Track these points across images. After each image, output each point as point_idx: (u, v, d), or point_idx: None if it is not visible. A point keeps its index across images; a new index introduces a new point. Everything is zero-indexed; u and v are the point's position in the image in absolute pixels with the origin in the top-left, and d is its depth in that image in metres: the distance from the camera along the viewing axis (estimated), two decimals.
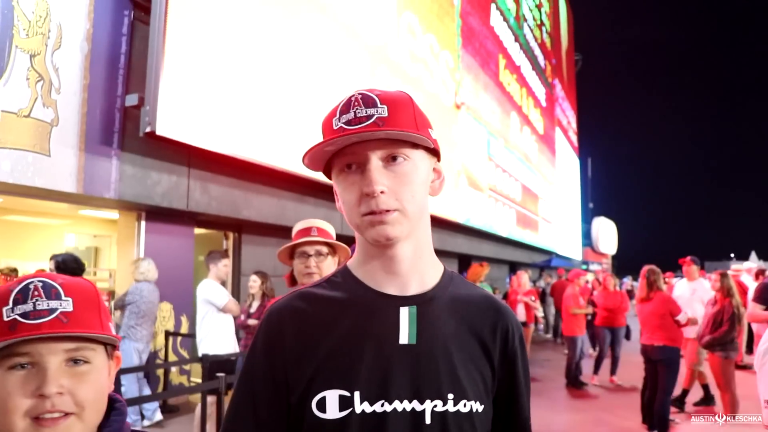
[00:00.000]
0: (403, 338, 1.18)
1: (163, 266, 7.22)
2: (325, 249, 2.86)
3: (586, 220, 38.83)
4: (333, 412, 1.14)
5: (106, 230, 11.33)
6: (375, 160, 1.15)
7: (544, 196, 25.04)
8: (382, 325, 1.19)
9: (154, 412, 6.85)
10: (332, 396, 1.15)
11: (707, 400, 8.44)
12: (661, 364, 6.86)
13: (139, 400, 6.31)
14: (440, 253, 1.53)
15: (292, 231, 3.03)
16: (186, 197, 7.26)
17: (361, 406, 1.14)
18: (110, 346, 1.17)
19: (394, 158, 1.16)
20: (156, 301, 6.89)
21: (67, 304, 1.07)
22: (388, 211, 1.14)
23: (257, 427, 1.21)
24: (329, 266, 2.81)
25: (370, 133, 1.12)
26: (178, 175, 7.16)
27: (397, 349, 1.18)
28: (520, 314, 10.91)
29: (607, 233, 40.12)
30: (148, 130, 6.20)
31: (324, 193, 9.08)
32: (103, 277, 11.04)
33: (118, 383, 6.67)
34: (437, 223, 13.24)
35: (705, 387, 8.50)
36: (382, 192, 1.13)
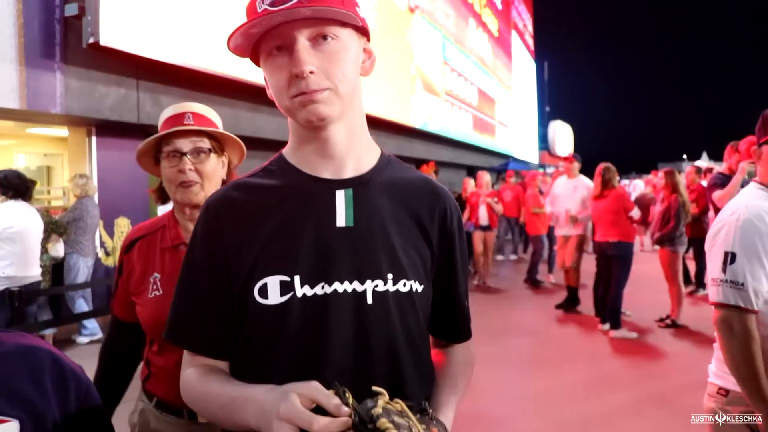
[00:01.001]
0: (340, 221, 1.19)
1: (117, 181, 7.13)
2: (205, 143, 1.95)
3: (543, 124, 39.03)
4: (275, 297, 1.15)
5: (57, 148, 11.04)
6: (302, 40, 1.12)
7: (501, 100, 25.01)
8: (319, 210, 1.19)
9: (95, 329, 6.91)
10: (273, 282, 1.15)
11: (572, 303, 8.52)
12: (615, 259, 7.12)
13: (86, 315, 6.42)
14: (398, 158, 1.47)
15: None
16: (136, 110, 7.08)
17: (302, 290, 1.14)
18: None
19: (323, 38, 1.13)
20: (98, 215, 6.79)
21: None
22: (318, 90, 1.12)
23: (201, 320, 1.22)
24: (215, 170, 1.96)
25: (296, 11, 1.09)
26: (126, 88, 6.95)
27: (335, 231, 1.18)
28: (483, 217, 10.55)
29: (563, 136, 40.43)
30: (91, 41, 5.99)
31: None
32: (57, 195, 10.85)
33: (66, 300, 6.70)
34: (394, 128, 13.20)
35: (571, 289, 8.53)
36: (311, 72, 1.11)
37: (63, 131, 7.91)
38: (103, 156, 7.24)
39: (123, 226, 7.49)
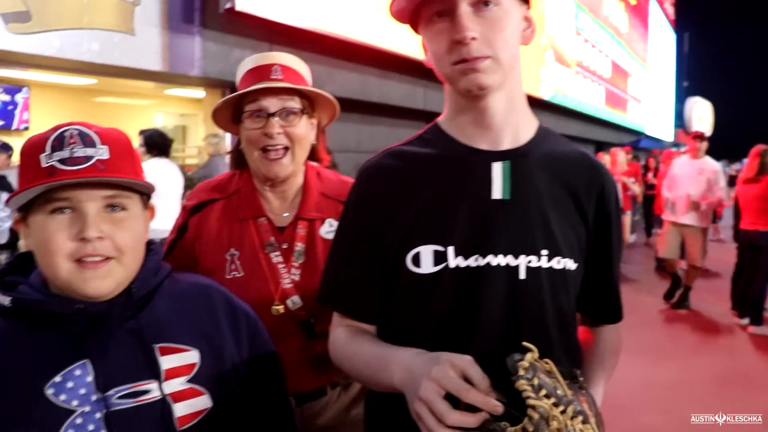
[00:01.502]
0: (497, 193, 1.16)
1: None
2: (296, 102, 1.68)
3: (680, 100, 36.94)
4: (428, 266, 1.15)
5: (193, 109, 11.58)
6: (464, 5, 1.08)
7: (635, 73, 23.85)
8: (475, 181, 1.17)
9: None
10: (427, 251, 1.15)
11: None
12: (764, 251, 6.46)
13: None
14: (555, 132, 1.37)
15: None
16: None
17: (455, 261, 1.14)
18: (145, 196, 1.18)
19: (485, 3, 1.09)
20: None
21: (103, 152, 1.07)
22: (480, 58, 1.09)
23: (353, 284, 1.24)
24: (306, 134, 1.70)
25: None
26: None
27: (491, 204, 1.15)
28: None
29: (702, 114, 38.10)
30: (227, 6, 6.20)
31: (408, 68, 8.88)
32: (192, 153, 11.40)
33: None
34: None
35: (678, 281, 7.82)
36: (473, 38, 1.08)
37: (199, 93, 8.28)
38: None
39: None
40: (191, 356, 1.17)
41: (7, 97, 9.13)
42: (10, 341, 1.08)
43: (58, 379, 1.04)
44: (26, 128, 9.47)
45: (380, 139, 8.56)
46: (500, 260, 1.13)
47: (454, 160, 1.20)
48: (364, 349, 1.19)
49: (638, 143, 23.37)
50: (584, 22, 16.81)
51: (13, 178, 5.41)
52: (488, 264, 1.13)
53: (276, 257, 1.67)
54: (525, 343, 0.96)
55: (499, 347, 1.07)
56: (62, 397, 1.03)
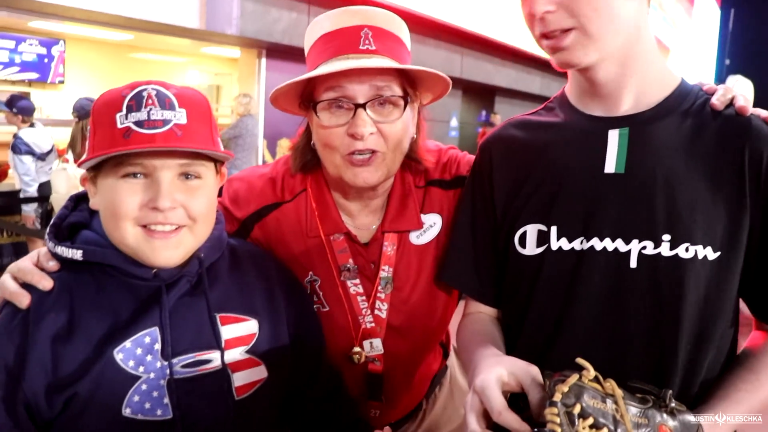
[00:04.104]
0: (609, 166, 1.01)
1: None
2: (395, 86, 1.20)
3: (721, 78, 36.09)
4: (531, 248, 1.08)
5: (227, 68, 11.54)
6: None
7: (676, 49, 23.27)
8: (588, 152, 1.04)
9: None
10: (532, 231, 1.08)
11: None
12: None
13: None
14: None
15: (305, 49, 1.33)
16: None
17: (557, 243, 1.04)
18: (219, 163, 1.13)
19: None
20: (257, 133, 6.97)
21: (180, 116, 1.01)
22: (559, 31, 0.95)
23: (474, 266, 1.19)
24: (406, 129, 1.24)
25: None
26: (298, 12, 7.05)
27: (602, 178, 1.01)
28: None
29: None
30: None
31: (446, 34, 8.71)
32: (225, 113, 11.39)
33: None
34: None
35: None
36: (547, 12, 0.94)
37: (235, 52, 8.22)
38: (272, 78, 7.44)
39: (285, 147, 7.72)
40: (250, 326, 1.15)
41: (42, 50, 9.15)
42: (79, 297, 1.05)
43: (128, 344, 1.03)
44: (61, 82, 9.52)
45: None
46: (607, 244, 0.99)
47: (570, 127, 1.08)
48: (469, 343, 1.14)
49: None
50: None
51: (29, 138, 5.35)
52: (592, 248, 1.00)
53: (355, 287, 1.33)
54: (579, 360, 0.83)
55: (599, 350, 0.97)
56: (130, 362, 1.03)
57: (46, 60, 9.24)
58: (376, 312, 1.32)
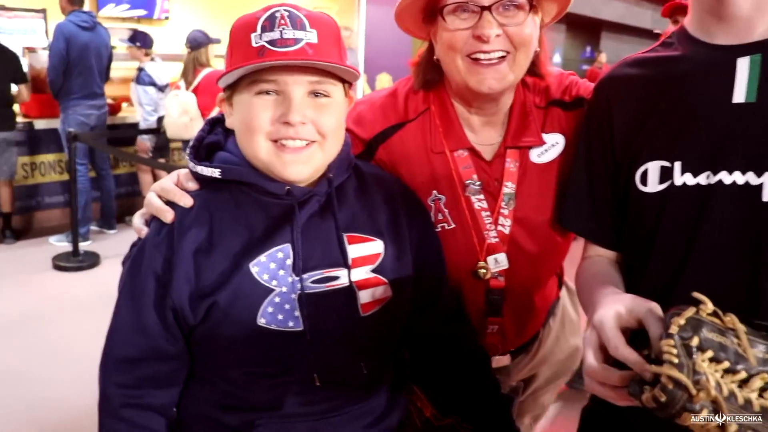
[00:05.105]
0: (739, 96, 0.96)
1: (383, 37, 7.23)
2: None
3: None
4: (653, 185, 1.03)
5: (327, 2, 11.49)
6: None
7: None
8: (714, 83, 0.99)
9: None
10: (654, 167, 1.04)
11: None
12: None
13: None
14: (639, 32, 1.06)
15: None
16: None
17: (682, 178, 0.99)
18: (347, 84, 1.19)
19: None
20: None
21: (312, 36, 1.07)
22: None
23: (592, 208, 1.18)
24: (532, 35, 1.23)
25: None
26: None
27: (731, 109, 0.96)
28: None
29: None
30: None
31: None
32: None
33: None
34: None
35: None
36: None
37: None
38: (373, 11, 7.37)
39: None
40: (376, 246, 1.21)
41: None
42: (217, 214, 1.13)
43: (263, 259, 1.11)
44: (167, 17, 9.70)
45: None
46: (737, 177, 0.95)
47: (692, 60, 1.03)
48: (588, 285, 1.13)
49: None
50: None
51: (151, 70, 5.67)
52: (720, 182, 0.96)
53: (479, 202, 1.36)
54: (696, 294, 0.78)
55: (725, 289, 0.90)
56: (264, 276, 1.11)
57: None
58: (500, 228, 1.36)
